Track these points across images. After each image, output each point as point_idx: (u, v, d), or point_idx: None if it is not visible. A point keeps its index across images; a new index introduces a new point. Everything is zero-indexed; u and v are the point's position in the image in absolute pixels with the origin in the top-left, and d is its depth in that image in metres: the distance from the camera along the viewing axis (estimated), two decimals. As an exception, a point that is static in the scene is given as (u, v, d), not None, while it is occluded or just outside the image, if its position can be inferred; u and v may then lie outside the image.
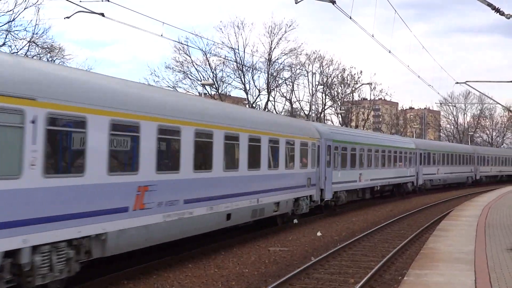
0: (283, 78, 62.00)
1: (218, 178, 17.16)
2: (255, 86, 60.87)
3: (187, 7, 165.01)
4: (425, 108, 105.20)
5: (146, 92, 15.17)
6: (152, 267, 14.97)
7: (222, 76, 58.21)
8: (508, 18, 17.45)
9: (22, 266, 10.32)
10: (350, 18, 21.15)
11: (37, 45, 35.90)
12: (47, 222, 10.78)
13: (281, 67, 60.70)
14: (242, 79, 58.85)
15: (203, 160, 16.52)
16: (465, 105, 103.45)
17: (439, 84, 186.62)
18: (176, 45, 55.47)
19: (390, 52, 29.32)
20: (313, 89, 60.49)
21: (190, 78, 57.42)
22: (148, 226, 13.63)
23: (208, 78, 56.29)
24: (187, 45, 55.36)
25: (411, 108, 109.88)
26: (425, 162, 47.30)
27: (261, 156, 20.28)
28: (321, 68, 65.53)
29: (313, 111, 58.23)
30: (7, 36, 33.76)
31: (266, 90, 60.45)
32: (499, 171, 71.04)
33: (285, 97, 64.70)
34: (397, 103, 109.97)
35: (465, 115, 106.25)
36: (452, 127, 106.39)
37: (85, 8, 22.75)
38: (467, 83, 36.32)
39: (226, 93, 59.66)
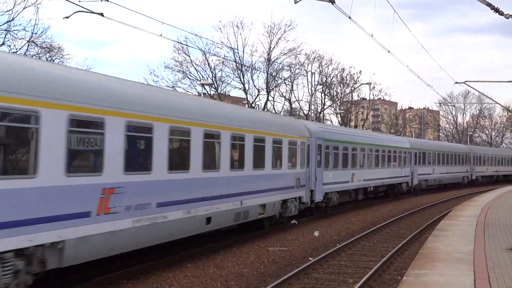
0: (282, 78, 62.13)
1: (196, 179, 16.01)
2: (254, 86, 60.98)
3: (186, 7, 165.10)
4: (424, 108, 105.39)
5: (112, 84, 13.78)
6: (151, 267, 14.96)
7: (221, 76, 58.33)
8: (508, 18, 17.45)
9: None
10: (350, 18, 21.15)
11: (36, 45, 35.92)
12: None
13: (280, 67, 60.83)
14: (242, 79, 58.94)
15: (179, 160, 15.46)
16: (464, 105, 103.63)
17: (438, 84, 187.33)
18: (175, 45, 55.58)
19: (389, 52, 29.35)
20: (312, 89, 60.62)
21: (189, 78, 57.50)
22: (114, 232, 12.50)
23: (207, 78, 56.33)
24: (187, 45, 55.47)
25: (410, 108, 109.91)
26: (420, 162, 46.34)
27: (245, 156, 19.13)
28: (320, 68, 65.66)
29: (312, 111, 58.26)
30: (6, 36, 33.80)
31: (265, 90, 60.51)
32: (495, 171, 70.37)
33: (284, 97, 64.80)
34: (396, 103, 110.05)
35: (464, 115, 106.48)
36: (451, 127, 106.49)
37: (84, 8, 22.74)
38: (466, 83, 36.34)
39: (225, 93, 59.68)
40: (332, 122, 69.03)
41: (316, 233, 22.46)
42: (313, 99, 58.75)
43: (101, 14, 21.83)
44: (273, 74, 60.52)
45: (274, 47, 59.82)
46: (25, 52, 34.14)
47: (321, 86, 66.27)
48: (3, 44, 33.39)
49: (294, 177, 23.77)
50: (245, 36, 64.82)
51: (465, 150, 61.46)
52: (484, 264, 13.56)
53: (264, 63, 59.76)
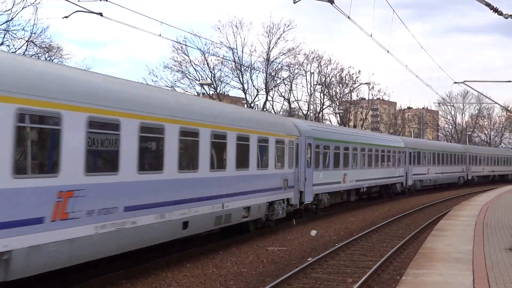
0: (282, 78, 62.13)
1: (171, 180, 14.80)
2: (253, 85, 61.01)
3: (185, 7, 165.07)
4: (423, 108, 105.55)
5: (73, 74, 12.64)
6: (150, 267, 14.95)
7: (220, 76, 58.32)
8: (507, 18, 17.46)
9: None
10: (349, 17, 21.14)
11: (35, 45, 35.95)
12: None
13: (279, 66, 60.83)
14: (241, 78, 58.95)
15: (151, 160, 14.37)
16: (463, 105, 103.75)
17: (437, 83, 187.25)
18: (174, 45, 55.57)
19: (388, 52, 29.32)
20: (311, 88, 60.53)
21: (188, 78, 57.50)
22: (73, 240, 11.30)
23: (206, 78, 56.34)
24: (186, 45, 55.47)
25: (409, 108, 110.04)
26: (414, 162, 45.19)
27: (227, 155, 17.94)
28: (319, 67, 65.67)
29: (311, 111, 58.27)
30: (5, 36, 33.80)
31: (264, 89, 60.51)
32: (491, 171, 69.51)
33: (283, 96, 64.80)
34: (395, 102, 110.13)
35: (463, 114, 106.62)
36: (450, 127, 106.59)
37: (83, 8, 22.74)
38: (465, 82, 36.35)
39: (224, 93, 59.71)
40: (331, 122, 69.12)
41: (313, 233, 22.39)
42: (312, 99, 58.77)
43: (100, 14, 21.83)
44: (272, 74, 60.57)
45: (273, 47, 59.92)
46: (24, 52, 34.15)
47: (320, 86, 66.33)
48: (2, 44, 33.41)
49: (281, 177, 22.62)
50: (244, 36, 64.69)
51: (460, 150, 60.68)
52: (483, 263, 13.57)
53: (263, 63, 59.85)
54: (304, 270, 15.12)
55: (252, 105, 58.80)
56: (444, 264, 13.51)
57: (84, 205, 11.62)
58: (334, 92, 69.34)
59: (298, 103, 66.59)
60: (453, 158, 56.71)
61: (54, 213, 10.88)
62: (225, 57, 57.94)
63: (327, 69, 66.35)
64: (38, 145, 11.08)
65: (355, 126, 71.83)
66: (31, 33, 34.95)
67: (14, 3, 33.51)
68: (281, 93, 64.64)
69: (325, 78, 66.73)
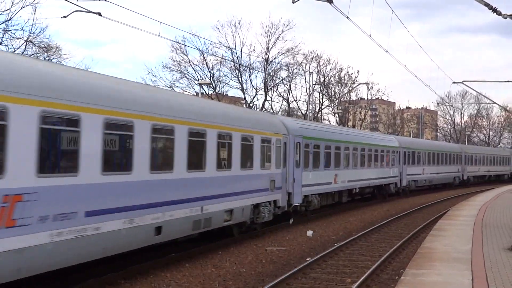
0: (280, 78, 62.12)
1: (142, 182, 13.61)
2: (252, 85, 60.96)
3: (184, 6, 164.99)
4: (422, 107, 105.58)
5: (25, 63, 11.75)
6: (149, 267, 14.95)
7: (219, 76, 58.33)
8: (505, 18, 17.46)
9: None
10: (347, 17, 21.14)
11: (34, 45, 35.95)
12: None
13: (278, 66, 60.83)
14: (239, 78, 58.93)
15: (117, 159, 13.19)
16: (462, 105, 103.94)
17: (436, 83, 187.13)
18: (173, 45, 55.53)
19: (387, 51, 29.30)
20: (310, 88, 60.56)
21: (187, 78, 57.47)
22: (23, 250, 10.12)
23: (205, 78, 56.35)
24: (184, 45, 55.45)
25: (408, 108, 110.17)
26: (409, 162, 44.04)
27: (207, 155, 16.68)
28: (318, 67, 65.67)
29: (310, 111, 58.28)
30: (4, 36, 33.82)
31: (263, 89, 60.53)
32: (487, 171, 68.38)
33: (282, 96, 64.79)
34: (394, 102, 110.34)
35: (462, 114, 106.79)
36: (449, 126, 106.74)
37: (82, 8, 22.76)
38: (464, 82, 36.32)
39: (223, 93, 59.73)
40: (330, 122, 69.14)
41: (309, 233, 22.33)
42: (311, 99, 58.78)
43: (99, 14, 21.84)
44: (271, 74, 60.57)
45: (272, 47, 59.89)
46: (23, 52, 34.15)
47: (319, 86, 66.34)
48: (1, 43, 33.43)
49: (268, 178, 21.40)
50: (243, 36, 64.44)
51: (456, 150, 59.69)
52: (482, 263, 13.58)
53: (262, 63, 59.83)
54: (303, 270, 15.13)
55: (251, 105, 58.81)
56: (443, 264, 13.52)
57: (35, 210, 10.39)
58: (333, 92, 69.44)
59: (297, 103, 66.66)
60: (449, 158, 55.80)
61: None
62: (224, 57, 58.02)
63: (326, 69, 66.45)
64: None
65: (354, 126, 71.88)
66: (30, 33, 35.00)
67: (13, 2, 33.58)
68: (280, 93, 64.72)
69: (324, 78, 66.79)
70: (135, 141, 13.37)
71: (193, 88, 56.42)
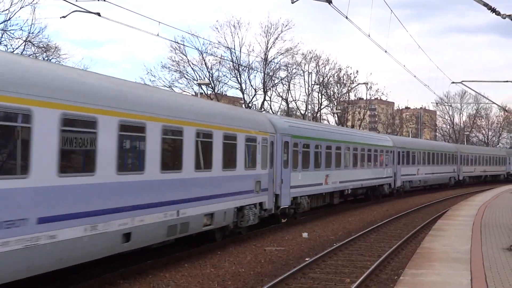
0: (279, 78, 62.14)
1: (107, 184, 12.39)
2: (251, 85, 61.03)
3: (183, 6, 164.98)
4: (421, 107, 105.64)
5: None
6: (149, 267, 14.95)
7: (218, 76, 58.36)
8: (504, 18, 17.47)
9: None
10: (347, 17, 21.15)
11: (33, 45, 36.00)
12: None
13: (277, 66, 60.84)
14: (238, 78, 58.94)
15: (78, 159, 12.00)
16: (461, 105, 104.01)
17: (435, 83, 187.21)
18: (172, 45, 55.55)
19: (386, 51, 29.34)
20: (309, 88, 60.57)
21: (186, 78, 57.50)
22: None
23: (204, 78, 56.38)
24: (183, 45, 55.50)
25: (407, 108, 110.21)
26: (403, 162, 42.77)
27: (184, 154, 15.47)
28: (317, 67, 65.66)
29: (309, 111, 58.30)
30: (3, 35, 33.85)
31: (262, 89, 60.54)
32: (483, 171, 67.24)
33: (281, 96, 64.80)
34: (393, 102, 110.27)
35: (461, 114, 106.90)
36: (448, 126, 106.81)
37: (81, 8, 22.74)
38: (463, 82, 36.36)
39: (222, 93, 59.75)
40: (329, 122, 69.14)
41: (305, 235, 22.19)
42: (310, 99, 58.79)
43: (98, 14, 21.83)
44: (270, 74, 60.59)
45: (271, 47, 59.89)
46: (22, 52, 34.15)
47: (318, 86, 66.35)
48: (0, 43, 33.42)
49: (253, 179, 20.18)
50: (242, 36, 64.47)
51: (451, 149, 58.58)
52: (481, 263, 13.59)
53: (261, 63, 59.84)
54: (302, 270, 15.12)
55: (250, 105, 58.82)
56: (442, 264, 13.53)
57: None
58: (332, 92, 69.42)
59: (296, 103, 66.66)
60: (444, 158, 54.68)
61: None
62: (223, 57, 58.05)
63: (325, 69, 66.42)
64: None
65: (353, 126, 71.87)
66: (29, 33, 35.05)
67: (12, 2, 33.62)
68: (279, 93, 64.75)
69: (323, 78, 66.79)
70: (99, 139, 12.09)
71: (192, 88, 56.53)
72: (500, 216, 25.49)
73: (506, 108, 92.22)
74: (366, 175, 34.89)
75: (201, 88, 50.72)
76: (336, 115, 68.05)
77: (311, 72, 62.43)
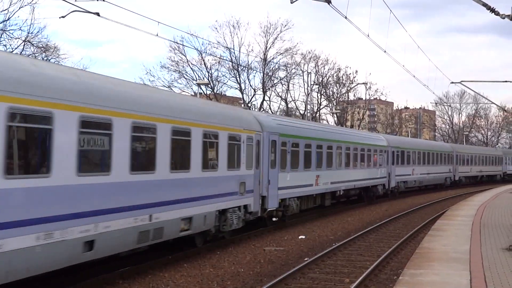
0: (279, 78, 62.17)
1: (65, 187, 11.13)
2: (250, 85, 61.10)
3: (182, 6, 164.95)
4: (420, 108, 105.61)
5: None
6: (147, 267, 14.94)
7: (217, 76, 58.41)
8: (503, 18, 17.48)
9: None
10: (346, 17, 21.15)
11: (32, 45, 35.99)
12: None
13: (276, 66, 60.88)
14: (238, 78, 58.98)
15: (30, 158, 10.80)
16: (460, 105, 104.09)
17: (434, 84, 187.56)
18: (171, 45, 55.60)
19: (385, 52, 29.50)
20: (309, 88, 60.64)
21: (185, 78, 57.58)
22: None
23: (203, 78, 56.40)
24: (183, 45, 55.52)
25: (406, 108, 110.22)
26: (398, 162, 41.58)
27: (157, 154, 14.25)
28: (317, 67, 65.69)
29: (308, 111, 58.30)
30: (2, 35, 33.84)
31: (261, 89, 60.55)
32: (479, 171, 66.13)
33: (281, 96, 64.84)
34: (392, 102, 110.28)
35: (460, 115, 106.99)
36: (447, 127, 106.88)
37: (81, 8, 22.75)
38: (462, 83, 36.41)
39: (221, 93, 59.76)
40: (328, 122, 69.15)
41: (301, 237, 22.07)
42: (309, 99, 58.80)
43: (97, 14, 21.83)
44: (269, 74, 60.60)
45: (270, 47, 59.95)
46: (21, 52, 34.14)
47: (317, 86, 66.38)
48: (-1, 43, 33.41)
49: (236, 180, 18.96)
50: (241, 36, 64.68)
51: (447, 149, 57.45)
52: (480, 263, 13.59)
53: (260, 63, 59.88)
54: (301, 270, 15.12)
55: (249, 105, 58.81)
56: (442, 264, 13.53)
57: None
58: (331, 92, 69.45)
59: (295, 103, 66.70)
60: (440, 157, 53.58)
61: None
62: (222, 57, 58.07)
63: (324, 69, 66.47)
64: None
65: (352, 126, 71.89)
66: (28, 33, 35.04)
67: (11, 2, 33.58)
68: (278, 93, 64.79)
69: (322, 78, 66.82)
70: (56, 136, 10.84)
71: (191, 88, 56.60)
72: (500, 216, 25.49)
73: (505, 108, 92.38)
74: (359, 176, 33.68)
75: (200, 88, 50.74)
76: (335, 115, 68.07)
77: (310, 72, 62.56)
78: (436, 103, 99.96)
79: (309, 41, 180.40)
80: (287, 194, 23.65)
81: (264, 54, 59.69)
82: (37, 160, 10.86)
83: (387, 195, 40.21)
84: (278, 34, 59.53)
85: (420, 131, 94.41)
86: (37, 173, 10.64)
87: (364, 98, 75.78)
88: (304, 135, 26.05)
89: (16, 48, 34.15)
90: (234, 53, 58.01)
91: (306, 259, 16.96)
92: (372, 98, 75.97)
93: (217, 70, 58.22)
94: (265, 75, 59.99)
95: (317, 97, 67.38)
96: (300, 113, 64.89)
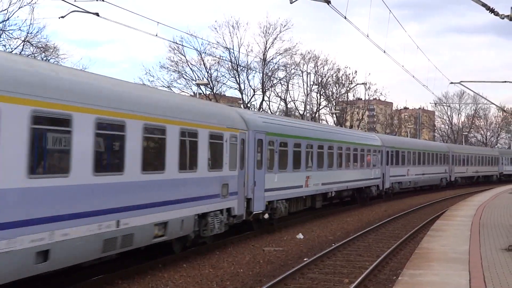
0: (278, 78, 62.14)
1: (14, 190, 9.90)
2: (250, 86, 60.97)
3: (182, 7, 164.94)
4: (419, 108, 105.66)
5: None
6: (147, 267, 14.95)
7: (217, 76, 58.37)
8: (503, 18, 17.50)
9: None
10: (345, 18, 21.16)
11: (32, 45, 35.99)
12: None
13: (276, 67, 60.85)
14: (237, 79, 58.94)
15: None
16: (459, 105, 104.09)
17: (434, 84, 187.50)
18: (171, 45, 55.55)
19: (384, 52, 29.46)
20: (308, 89, 60.63)
21: (185, 78, 57.55)
22: None
23: (203, 78, 56.37)
24: (182, 45, 55.47)
25: (405, 108, 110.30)
26: (392, 162, 40.42)
27: (126, 153, 13.01)
28: (316, 68, 65.65)
29: (307, 111, 58.30)
30: (2, 36, 33.82)
31: (261, 90, 60.53)
32: (475, 172, 65.03)
33: (280, 97, 64.80)
34: (392, 103, 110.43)
35: (460, 115, 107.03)
36: (447, 127, 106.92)
37: (80, 8, 22.75)
38: (462, 83, 36.45)
39: (221, 93, 59.72)
40: (327, 122, 69.14)
41: (300, 236, 22.08)
42: (308, 99, 58.80)
43: (97, 14, 21.84)
44: (269, 74, 60.59)
45: (269, 47, 59.90)
46: (21, 52, 34.13)
47: (317, 86, 66.34)
48: (-2, 43, 33.40)
49: (218, 182, 17.72)
50: (241, 36, 64.68)
51: (443, 149, 56.38)
52: (480, 264, 13.59)
53: (260, 63, 59.84)
54: (300, 270, 15.13)
55: (248, 105, 58.82)
56: (441, 264, 13.53)
57: None
58: (330, 92, 69.39)
59: (294, 103, 66.68)
60: (435, 158, 52.37)
61: None
62: (221, 57, 58.04)
63: (323, 69, 66.42)
64: None
65: (351, 127, 71.89)
66: (28, 33, 35.04)
67: (10, 2, 33.58)
68: (277, 93, 64.73)
69: (322, 78, 66.80)
70: (2, 133, 9.68)
71: (191, 89, 56.60)
72: (499, 217, 25.49)
73: (505, 109, 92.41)
74: (352, 176, 32.37)
75: (200, 88, 50.74)
76: (334, 115, 68.07)
77: (309, 72, 62.54)
78: (435, 104, 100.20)
79: (308, 41, 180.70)
80: (275, 196, 22.49)
81: (264, 54, 59.72)
82: None
83: (382, 196, 39.31)
84: (278, 34, 59.57)
85: (420, 132, 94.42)
86: None
87: (363, 98, 75.81)
88: (293, 134, 24.85)
89: (15, 48, 34.18)
90: (233, 53, 58.04)
91: (305, 259, 16.97)
92: (371, 98, 75.99)
93: (217, 70, 58.27)
94: (264, 75, 59.99)
95: (317, 97, 67.44)
96: (299, 113, 64.88)
